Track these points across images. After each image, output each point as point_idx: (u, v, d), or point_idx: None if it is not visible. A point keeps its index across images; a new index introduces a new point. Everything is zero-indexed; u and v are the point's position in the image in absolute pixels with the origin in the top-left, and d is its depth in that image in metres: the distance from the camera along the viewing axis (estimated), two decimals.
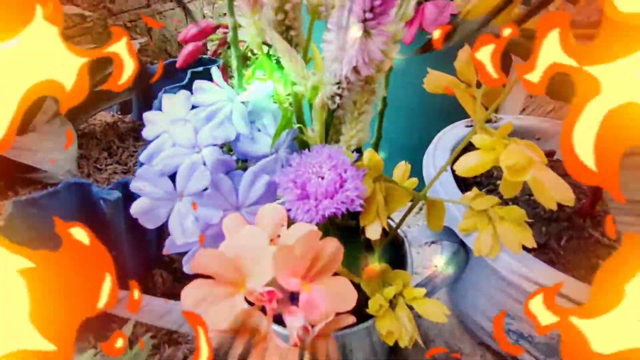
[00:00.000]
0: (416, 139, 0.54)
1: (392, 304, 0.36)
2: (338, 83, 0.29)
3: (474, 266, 0.44)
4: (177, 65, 0.35)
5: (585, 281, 0.36)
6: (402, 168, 0.42)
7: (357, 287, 0.38)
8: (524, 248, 0.41)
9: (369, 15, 0.24)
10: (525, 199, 0.46)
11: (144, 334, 0.60)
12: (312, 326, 0.26)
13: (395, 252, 0.43)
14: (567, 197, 0.27)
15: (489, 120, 0.54)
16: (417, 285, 0.47)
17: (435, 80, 0.36)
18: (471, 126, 0.52)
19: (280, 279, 0.25)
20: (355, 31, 0.25)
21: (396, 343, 0.50)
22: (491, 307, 0.43)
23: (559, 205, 0.46)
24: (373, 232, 0.32)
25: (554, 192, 0.27)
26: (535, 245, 0.33)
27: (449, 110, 0.47)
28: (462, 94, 0.34)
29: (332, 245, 0.28)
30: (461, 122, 0.53)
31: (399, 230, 0.43)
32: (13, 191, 0.54)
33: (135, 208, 0.29)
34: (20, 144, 0.48)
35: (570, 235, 0.43)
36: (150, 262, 0.63)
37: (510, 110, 0.68)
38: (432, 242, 0.65)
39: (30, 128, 0.57)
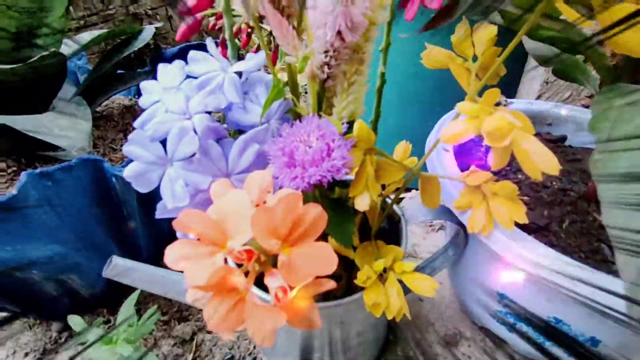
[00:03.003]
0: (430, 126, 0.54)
1: (383, 278, 0.36)
2: (326, 52, 0.29)
3: (473, 248, 0.43)
4: (177, 39, 0.36)
5: (584, 263, 0.35)
6: (402, 146, 0.42)
7: (352, 261, 0.39)
8: (522, 229, 0.40)
9: None
10: (529, 182, 0.45)
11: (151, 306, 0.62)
12: (292, 288, 0.27)
13: (394, 229, 0.43)
14: (552, 166, 0.26)
15: (497, 104, 0.53)
16: (418, 267, 0.47)
17: (433, 55, 0.36)
18: None
19: (258, 239, 0.26)
20: None
21: (394, 322, 0.50)
22: (490, 288, 0.43)
23: (563, 190, 0.45)
24: (362, 203, 0.33)
25: (538, 162, 0.26)
26: (526, 221, 0.33)
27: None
28: (457, 67, 0.34)
29: (315, 211, 0.28)
30: None
31: (396, 208, 0.43)
32: (33, 168, 0.57)
33: (128, 171, 0.31)
34: (39, 121, 0.50)
35: (573, 219, 0.41)
36: (162, 237, 0.65)
37: (527, 96, 0.66)
38: (432, 223, 0.64)
39: (50, 108, 0.59)
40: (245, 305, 0.27)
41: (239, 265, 0.27)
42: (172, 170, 0.30)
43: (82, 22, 0.81)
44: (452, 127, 0.28)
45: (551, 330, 0.40)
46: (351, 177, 0.34)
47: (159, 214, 0.32)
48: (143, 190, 0.31)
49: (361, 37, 0.30)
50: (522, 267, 0.34)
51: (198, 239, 0.28)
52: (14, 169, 0.57)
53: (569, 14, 0.27)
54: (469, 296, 0.47)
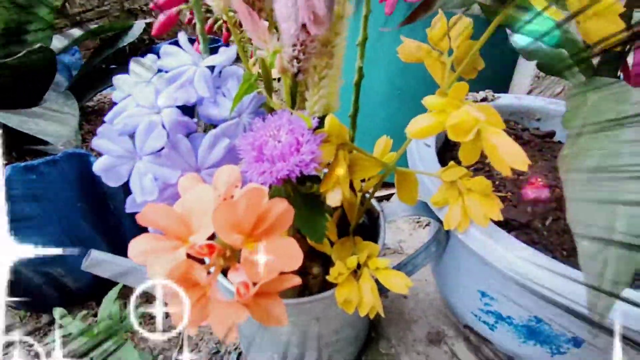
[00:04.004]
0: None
1: (358, 274, 0.36)
2: (294, 45, 0.29)
3: (454, 244, 0.43)
4: (153, 33, 0.35)
5: (566, 262, 0.35)
6: (382, 142, 0.42)
7: (328, 257, 0.39)
8: (505, 226, 0.40)
9: None
10: (514, 178, 0.44)
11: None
12: (255, 284, 0.26)
13: (375, 224, 0.42)
14: (520, 161, 0.26)
15: (485, 99, 0.52)
16: (400, 263, 0.46)
17: (408, 49, 0.36)
18: None
19: (220, 234, 0.26)
20: None
21: (377, 319, 0.50)
22: (471, 286, 0.42)
23: (549, 186, 0.44)
24: (333, 199, 0.32)
25: (507, 157, 0.26)
26: (501, 218, 0.32)
27: None
28: (432, 61, 0.34)
29: (281, 206, 0.28)
30: None
31: (375, 204, 0.43)
32: (23, 161, 0.57)
33: (97, 165, 0.30)
34: (26, 116, 0.51)
35: (557, 216, 0.41)
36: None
37: (519, 91, 0.66)
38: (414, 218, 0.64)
39: (41, 102, 0.60)
40: (207, 300, 0.27)
41: (203, 262, 0.27)
42: (141, 164, 0.30)
43: (77, 18, 0.81)
44: (418, 122, 0.27)
45: (532, 330, 0.40)
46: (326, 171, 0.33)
47: (129, 208, 0.32)
48: (113, 184, 0.31)
49: (329, 31, 0.29)
50: (497, 265, 0.34)
51: (164, 233, 0.28)
52: (5, 162, 0.57)
53: (537, 2, 0.27)
54: (452, 293, 0.46)
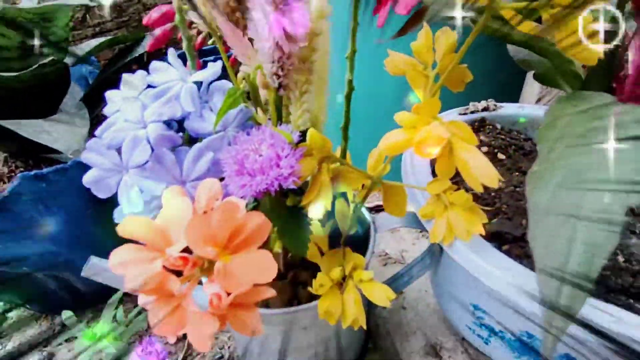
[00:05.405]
0: None
1: (343, 286, 0.36)
2: (272, 62, 0.30)
3: (447, 257, 0.42)
4: (147, 49, 0.37)
5: None
6: (374, 155, 0.42)
7: (317, 267, 0.39)
8: (498, 239, 0.39)
9: None
10: (510, 190, 0.44)
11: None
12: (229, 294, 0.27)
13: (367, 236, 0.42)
14: (491, 179, 0.26)
15: (486, 108, 0.52)
16: (397, 274, 0.46)
17: (394, 62, 0.36)
18: (465, 114, 0.51)
19: (192, 247, 0.27)
20: (267, 7, 0.25)
21: (374, 330, 0.50)
22: (464, 299, 0.42)
23: None
24: (315, 212, 0.33)
25: (477, 173, 0.26)
26: (482, 232, 0.32)
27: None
28: (415, 74, 0.34)
29: (257, 219, 0.28)
30: (455, 110, 0.51)
31: (367, 214, 0.43)
32: (39, 169, 0.60)
33: (87, 178, 0.32)
34: (39, 126, 0.53)
35: None
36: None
37: (529, 99, 0.64)
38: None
39: (58, 111, 0.62)
40: (182, 311, 0.28)
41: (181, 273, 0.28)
42: (127, 177, 0.32)
43: (97, 29, 0.84)
44: (389, 137, 0.27)
45: (525, 345, 0.39)
46: None
47: (117, 219, 0.33)
48: (102, 195, 0.32)
49: (306, 48, 0.30)
50: (483, 281, 0.34)
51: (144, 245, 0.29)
52: (22, 169, 0.60)
53: (506, 14, 0.26)
54: (448, 305, 0.46)
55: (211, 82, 0.35)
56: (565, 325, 0.19)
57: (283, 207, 0.35)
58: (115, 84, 0.69)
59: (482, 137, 0.48)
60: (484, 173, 0.26)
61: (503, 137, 0.49)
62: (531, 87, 0.61)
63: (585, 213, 0.20)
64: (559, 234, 0.21)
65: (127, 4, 0.83)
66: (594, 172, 0.22)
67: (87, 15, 0.84)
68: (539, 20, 0.30)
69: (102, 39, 0.67)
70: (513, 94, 0.68)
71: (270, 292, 0.28)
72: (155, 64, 0.34)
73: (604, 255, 0.20)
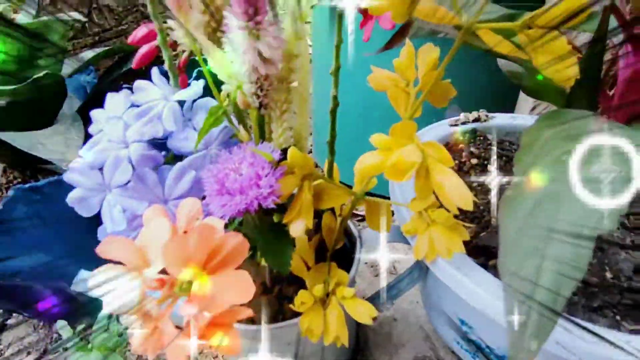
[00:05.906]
0: None
1: (326, 302, 0.36)
2: (251, 82, 0.30)
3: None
4: (133, 66, 0.37)
5: None
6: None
7: (304, 281, 0.39)
8: (483, 254, 0.39)
9: (245, 17, 0.24)
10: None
11: None
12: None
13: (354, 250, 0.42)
14: (466, 201, 0.25)
15: (477, 119, 0.51)
16: (384, 288, 0.46)
17: (377, 78, 0.36)
18: (456, 125, 0.50)
19: (169, 267, 0.27)
20: (241, 32, 0.25)
21: (364, 342, 0.50)
22: (451, 313, 0.41)
23: None
24: (296, 229, 0.33)
25: (453, 196, 0.26)
26: (463, 251, 0.32)
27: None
28: (396, 91, 0.33)
29: (234, 240, 0.29)
30: (445, 121, 0.51)
31: (354, 230, 0.43)
32: (36, 179, 0.61)
33: (70, 197, 0.32)
34: (35, 138, 0.54)
35: None
36: None
37: (523, 109, 0.64)
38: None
39: (54, 123, 0.63)
40: (161, 331, 0.28)
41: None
42: (110, 196, 0.32)
43: (96, 38, 0.85)
44: (364, 160, 0.27)
45: None
46: None
47: (100, 238, 0.33)
48: (86, 214, 0.33)
49: (284, 69, 0.30)
50: (464, 298, 0.33)
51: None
52: (19, 180, 0.61)
53: (484, 34, 0.26)
54: (436, 319, 0.46)
55: (195, 100, 0.35)
56: (534, 353, 0.19)
57: (266, 224, 0.35)
58: None
59: (472, 149, 0.48)
60: (458, 195, 0.26)
61: (494, 148, 0.49)
62: (526, 96, 0.61)
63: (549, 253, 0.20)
64: (527, 264, 0.21)
65: (125, 13, 0.84)
66: (565, 202, 0.22)
67: (86, 25, 0.85)
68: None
69: (100, 50, 0.68)
70: (510, 105, 0.67)
71: (248, 313, 0.28)
72: (138, 83, 0.34)
73: (575, 275, 0.20)
